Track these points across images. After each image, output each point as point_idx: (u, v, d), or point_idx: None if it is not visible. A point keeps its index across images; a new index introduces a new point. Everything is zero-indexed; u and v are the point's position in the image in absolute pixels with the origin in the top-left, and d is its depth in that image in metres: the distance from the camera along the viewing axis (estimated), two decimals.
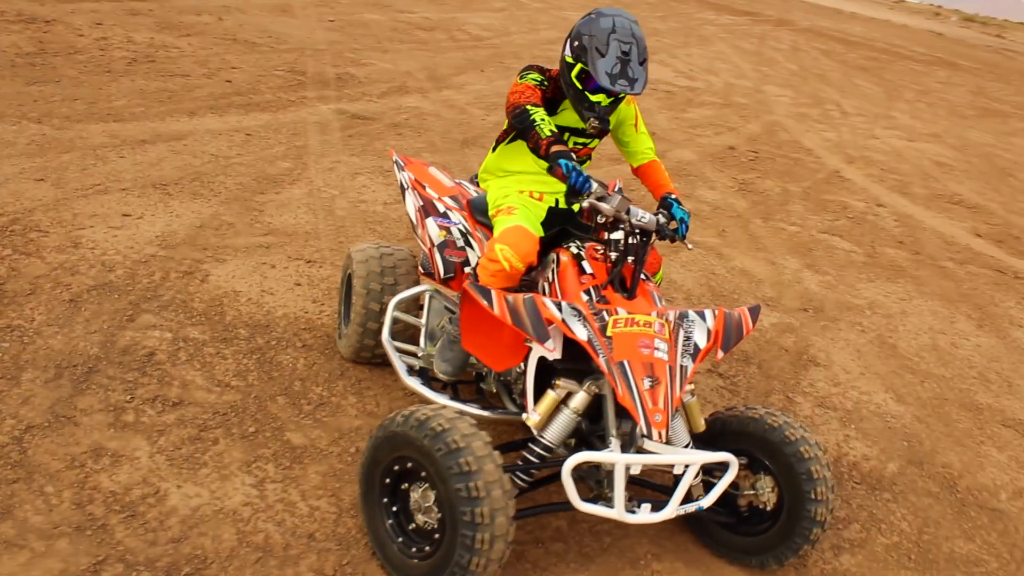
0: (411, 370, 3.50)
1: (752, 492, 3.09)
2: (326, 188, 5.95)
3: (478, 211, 3.63)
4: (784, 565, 3.11)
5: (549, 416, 2.86)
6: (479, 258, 3.28)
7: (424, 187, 3.80)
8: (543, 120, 3.00)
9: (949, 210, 8.74)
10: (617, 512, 2.65)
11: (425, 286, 3.71)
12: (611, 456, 2.65)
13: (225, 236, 4.88)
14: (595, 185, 2.90)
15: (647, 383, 2.65)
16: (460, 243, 3.54)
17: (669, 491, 2.83)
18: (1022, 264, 7.44)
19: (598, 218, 2.94)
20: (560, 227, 3.37)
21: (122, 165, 5.53)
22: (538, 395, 2.92)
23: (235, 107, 7.29)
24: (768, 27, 23.37)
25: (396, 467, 2.71)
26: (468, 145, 7.62)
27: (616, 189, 4.21)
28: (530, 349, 2.96)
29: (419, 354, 3.60)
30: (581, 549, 3.12)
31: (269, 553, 2.80)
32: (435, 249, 3.52)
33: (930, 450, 4.26)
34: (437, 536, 2.61)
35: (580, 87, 3.09)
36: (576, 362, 2.86)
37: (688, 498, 2.88)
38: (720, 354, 2.89)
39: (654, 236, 3.06)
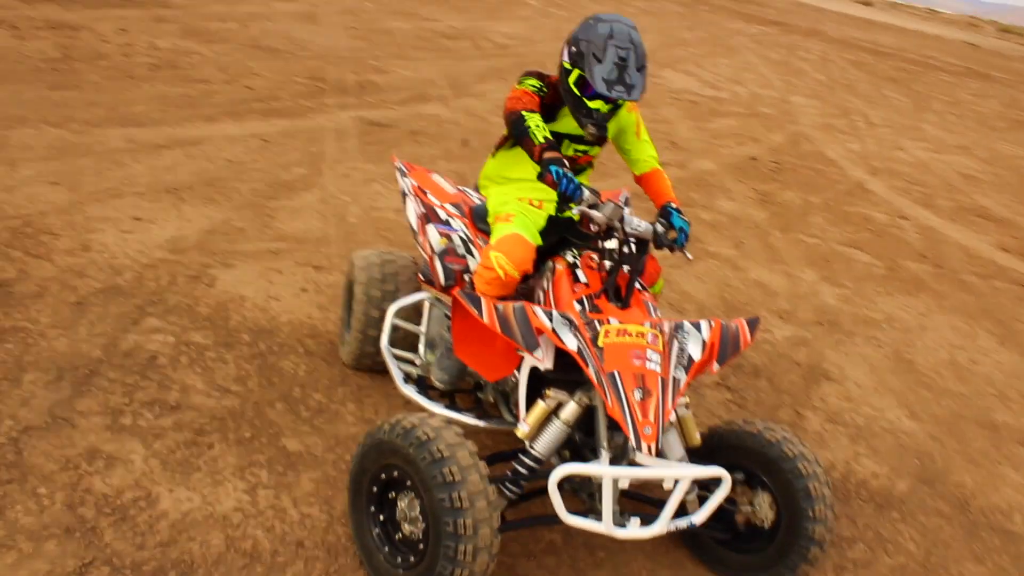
0: (408, 378, 3.48)
1: (749, 509, 3.02)
2: (340, 195, 5.96)
3: (480, 219, 3.60)
4: None
5: (539, 427, 2.82)
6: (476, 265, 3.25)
7: (426, 194, 3.78)
8: (537, 126, 2.97)
9: (974, 223, 8.59)
10: (605, 526, 2.60)
11: (425, 294, 3.69)
12: (598, 469, 2.61)
13: (235, 241, 4.90)
14: (587, 193, 2.86)
15: (638, 395, 2.60)
16: (461, 251, 3.52)
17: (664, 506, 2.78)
18: None
19: (590, 226, 2.91)
20: (560, 235, 3.34)
21: (137, 170, 5.58)
22: (531, 405, 2.88)
23: (254, 113, 7.34)
24: (798, 37, 23.21)
25: (383, 476, 2.69)
26: (487, 152, 7.60)
27: (623, 199, 4.17)
28: (523, 358, 2.93)
29: (417, 362, 3.58)
30: (574, 564, 3.08)
31: (256, 559, 2.78)
32: (435, 257, 3.50)
33: (943, 469, 4.16)
34: (421, 547, 2.58)
35: (578, 93, 3.06)
36: (568, 372, 2.81)
37: (683, 513, 2.82)
38: (715, 367, 2.84)
39: (651, 245, 3.02)
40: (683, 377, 2.72)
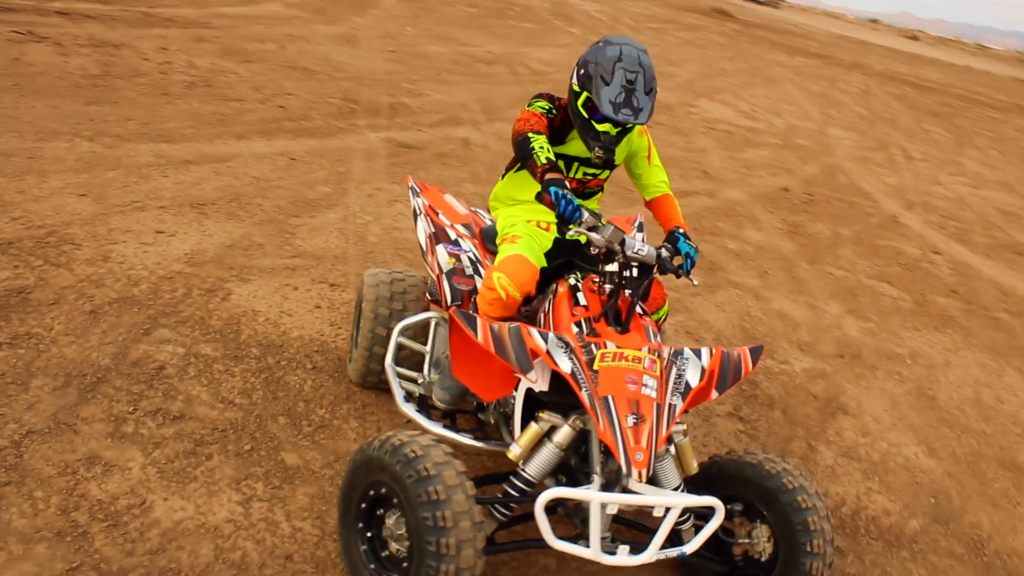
0: (409, 396, 3.46)
1: (747, 541, 2.95)
2: (362, 214, 6.01)
3: (489, 239, 3.60)
4: None
5: (532, 449, 2.78)
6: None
7: (438, 214, 3.79)
8: (541, 147, 2.96)
9: (1011, 260, 8.40)
10: (593, 552, 2.55)
11: (432, 313, 3.69)
12: (585, 493, 2.56)
13: (253, 256, 4.94)
14: (586, 214, 2.84)
15: (631, 420, 2.56)
16: (469, 271, 3.52)
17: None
18: None
19: (590, 249, 2.88)
20: (567, 258, 3.32)
21: (164, 184, 5.68)
22: (527, 427, 2.85)
23: (284, 132, 7.45)
24: (840, 70, 23.04)
25: (372, 492, 2.67)
26: None
27: (637, 224, 4.14)
28: (520, 380, 2.90)
29: (420, 380, 3.57)
30: None
31: (243, 571, 2.78)
32: (443, 276, 3.50)
33: (959, 508, 4.04)
34: (405, 565, 2.55)
35: (586, 116, 3.05)
36: (565, 395, 2.78)
37: (677, 543, 2.76)
38: (715, 394, 2.79)
39: (655, 270, 2.99)
40: (679, 404, 2.68)
